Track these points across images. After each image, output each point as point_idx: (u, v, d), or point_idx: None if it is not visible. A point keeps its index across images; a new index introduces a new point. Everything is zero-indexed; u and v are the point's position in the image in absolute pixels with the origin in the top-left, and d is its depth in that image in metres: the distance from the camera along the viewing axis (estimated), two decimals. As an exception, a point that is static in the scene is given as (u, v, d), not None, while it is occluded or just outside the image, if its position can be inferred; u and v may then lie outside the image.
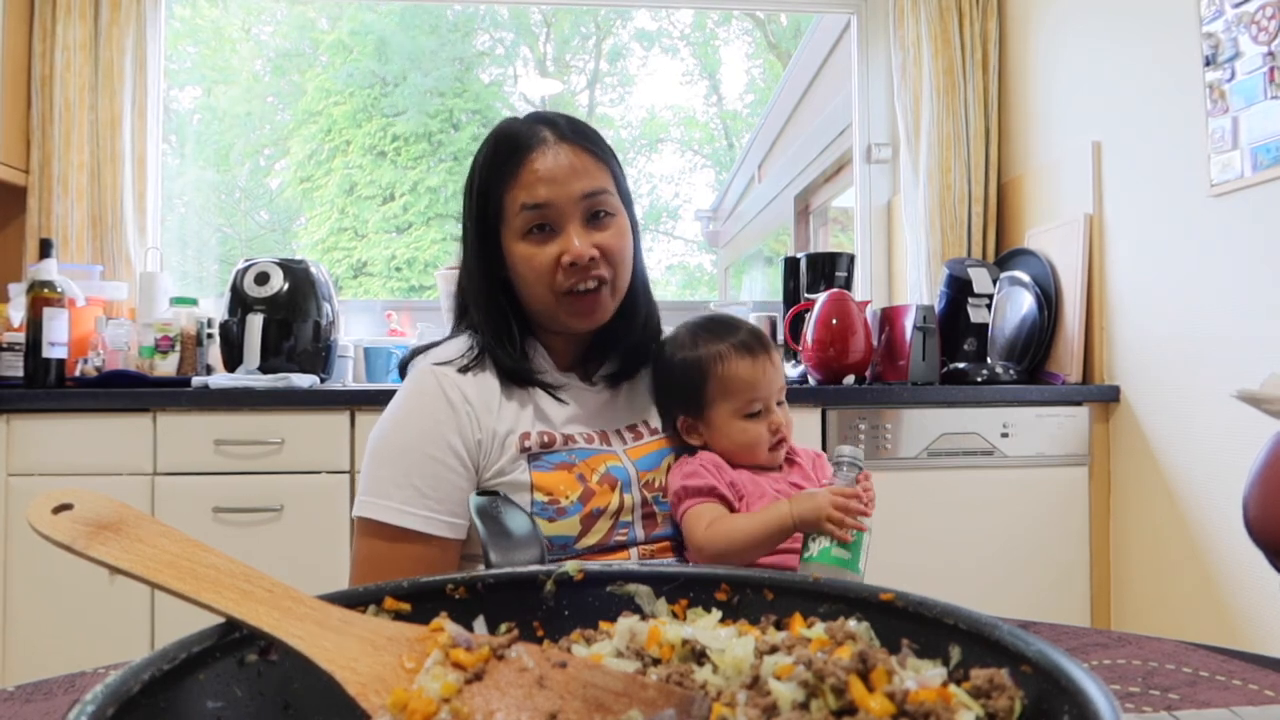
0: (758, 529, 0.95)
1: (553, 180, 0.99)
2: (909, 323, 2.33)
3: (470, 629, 0.47)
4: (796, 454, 1.10)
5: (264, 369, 2.17)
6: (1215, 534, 1.94)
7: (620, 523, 1.02)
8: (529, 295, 1.04)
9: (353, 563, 1.02)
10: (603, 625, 0.49)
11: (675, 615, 0.51)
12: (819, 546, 0.92)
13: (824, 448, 2.17)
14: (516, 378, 1.05)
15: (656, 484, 1.06)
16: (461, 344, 1.07)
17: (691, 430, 1.07)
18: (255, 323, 2.18)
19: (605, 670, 0.41)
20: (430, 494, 0.97)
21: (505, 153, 1.01)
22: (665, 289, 6.71)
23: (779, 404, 1.06)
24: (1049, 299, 2.40)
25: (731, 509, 1.00)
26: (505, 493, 0.99)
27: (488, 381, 1.03)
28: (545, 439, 1.02)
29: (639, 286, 1.10)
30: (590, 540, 1.00)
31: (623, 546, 1.02)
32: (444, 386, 1.01)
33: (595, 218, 1.01)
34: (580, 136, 1.03)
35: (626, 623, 0.47)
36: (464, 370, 1.03)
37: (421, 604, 0.48)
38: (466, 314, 1.11)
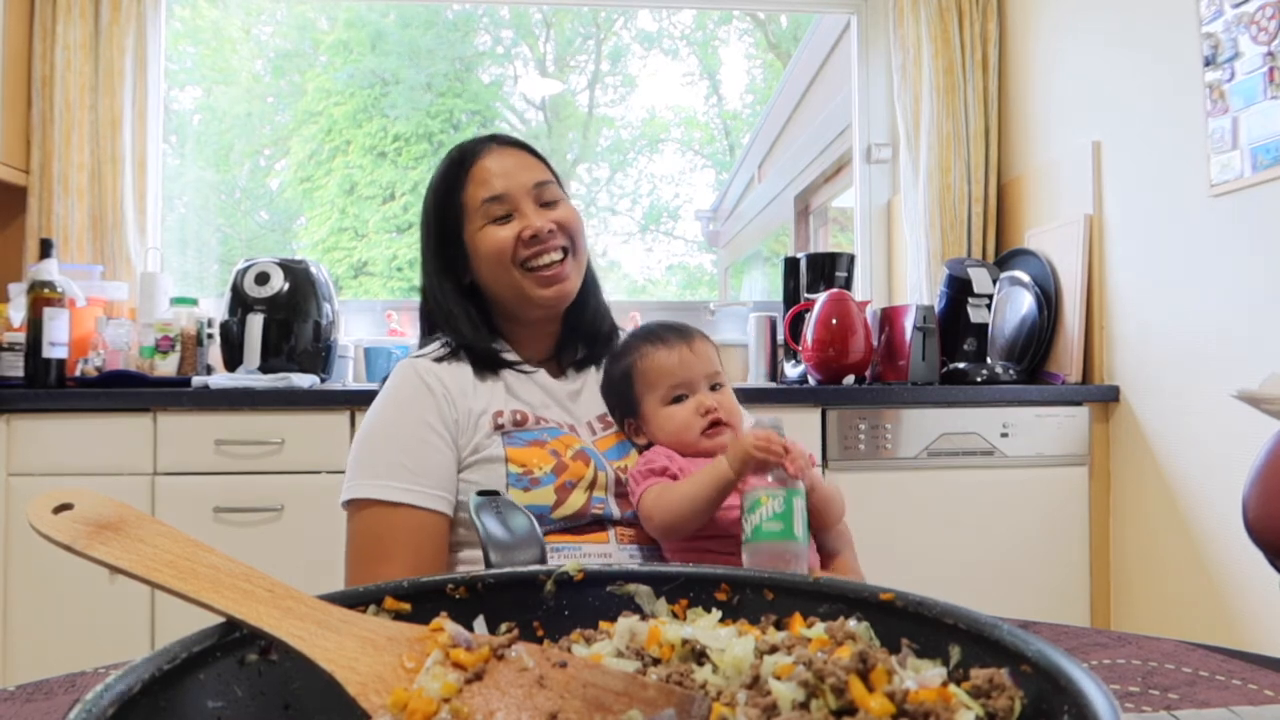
0: (697, 485, 0.97)
1: (505, 174, 1.11)
2: (909, 323, 2.33)
3: (470, 629, 0.47)
4: None
5: (264, 369, 2.17)
6: (1215, 534, 1.94)
7: (595, 498, 1.04)
8: (496, 279, 1.11)
9: (349, 547, 1.04)
10: (603, 625, 0.49)
11: (675, 615, 0.51)
12: (751, 525, 0.91)
13: (824, 448, 2.17)
14: (488, 363, 1.12)
15: (628, 469, 1.08)
16: (436, 344, 1.15)
17: (636, 431, 1.11)
18: (255, 323, 2.18)
19: (605, 670, 0.41)
20: (419, 471, 1.02)
21: (457, 163, 1.15)
22: (665, 289, 6.70)
23: (713, 389, 1.08)
24: (1049, 299, 2.40)
25: None
26: (480, 469, 1.03)
27: (461, 369, 1.10)
28: (518, 417, 1.07)
29: (590, 277, 1.19)
30: (566, 510, 1.02)
31: (600, 523, 1.04)
32: (420, 373, 1.08)
33: (549, 204, 1.13)
34: (519, 142, 1.17)
35: (626, 623, 0.47)
36: (439, 360, 1.10)
37: (421, 604, 0.48)
38: (435, 330, 1.19)
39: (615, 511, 1.06)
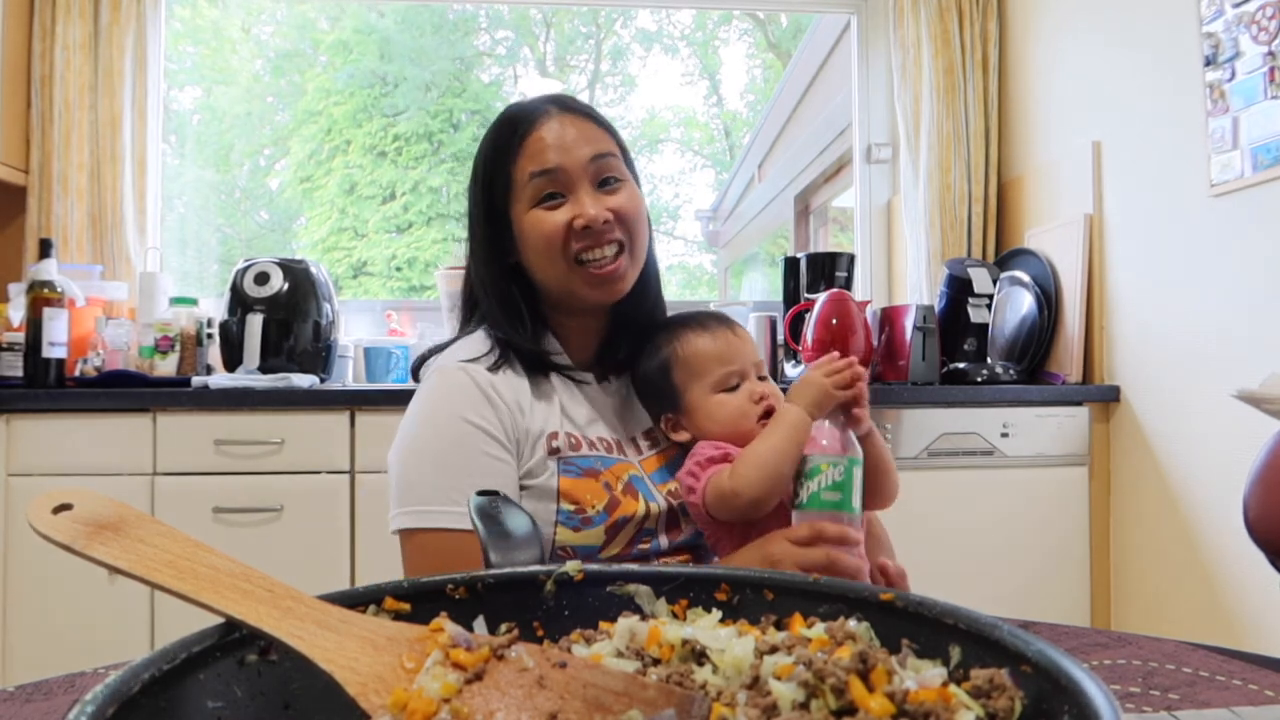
0: (777, 441, 0.90)
1: (560, 146, 0.98)
2: (909, 323, 2.33)
3: (470, 629, 0.47)
4: None
5: (264, 369, 2.17)
6: (1215, 534, 1.94)
7: (644, 530, 0.99)
8: (543, 268, 1.01)
9: (412, 573, 0.95)
10: (603, 625, 0.49)
11: (675, 615, 0.51)
12: (808, 491, 0.89)
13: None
14: (539, 366, 1.03)
15: (677, 491, 1.03)
16: (481, 342, 1.04)
17: (676, 427, 1.04)
18: (255, 323, 2.18)
19: (605, 670, 0.41)
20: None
21: (510, 129, 1.01)
22: (665, 289, 6.69)
23: (760, 378, 1.02)
24: (1049, 299, 2.40)
25: None
26: (531, 498, 0.96)
27: (517, 381, 1.01)
28: (572, 441, 1.00)
29: (650, 267, 1.09)
30: (614, 549, 0.98)
31: (644, 557, 1.00)
32: (480, 383, 0.98)
33: (605, 183, 1.00)
34: (583, 107, 1.04)
35: (626, 623, 0.47)
36: (494, 369, 1.00)
37: (421, 604, 0.48)
38: (476, 308, 1.08)
39: (662, 543, 1.00)
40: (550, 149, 0.98)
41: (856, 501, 0.89)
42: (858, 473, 0.90)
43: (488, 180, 1.03)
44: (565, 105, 1.03)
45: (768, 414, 1.00)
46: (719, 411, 1.00)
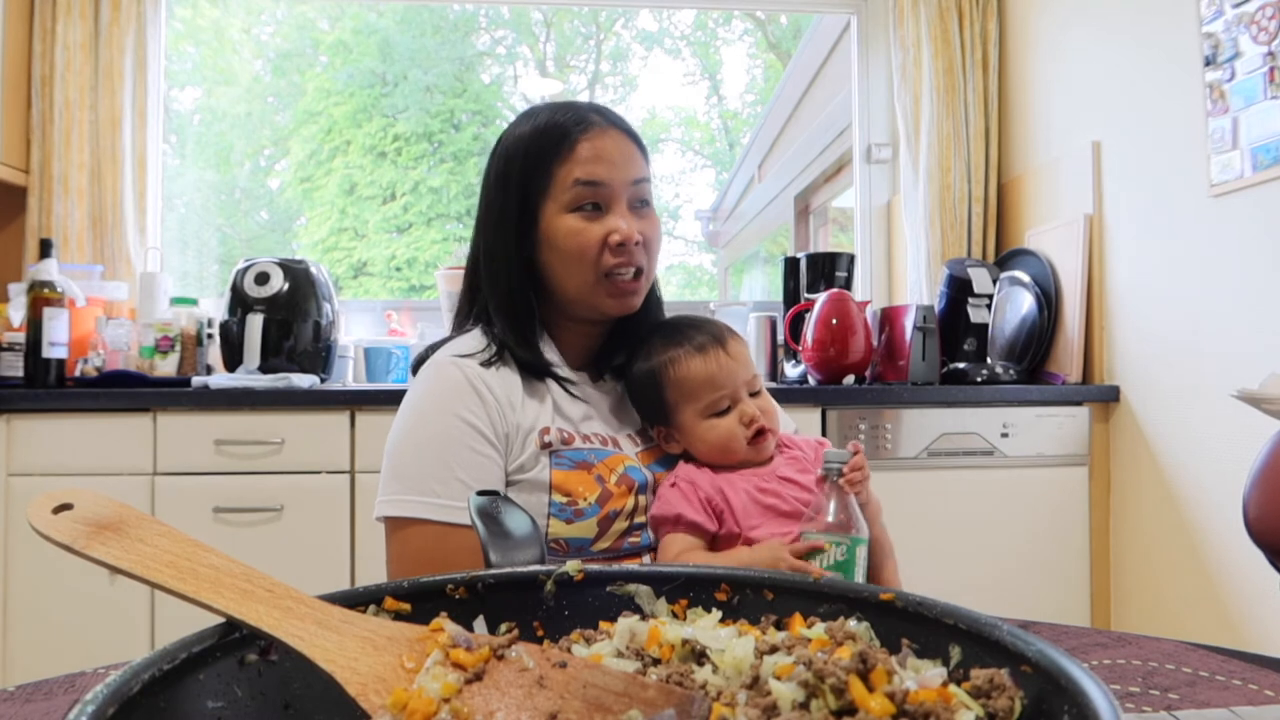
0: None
1: (610, 161, 1.01)
2: (909, 323, 2.33)
3: (470, 629, 0.47)
4: (794, 445, 1.07)
5: (264, 369, 2.17)
6: (1215, 534, 1.94)
7: (634, 524, 1.00)
8: (567, 274, 1.02)
9: (396, 566, 0.98)
10: (603, 625, 0.49)
11: (675, 615, 0.51)
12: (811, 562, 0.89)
13: (824, 448, 2.17)
14: (534, 370, 1.04)
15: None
16: (477, 339, 1.05)
17: (668, 439, 1.05)
18: (255, 323, 2.18)
19: (605, 670, 0.41)
20: (476, 485, 0.95)
21: (560, 130, 1.02)
22: (665, 289, 6.66)
23: (752, 395, 1.03)
24: (1049, 299, 2.40)
25: (707, 533, 0.97)
26: (522, 491, 0.97)
27: (509, 377, 1.02)
28: (564, 436, 1.01)
29: (654, 283, 1.13)
30: (606, 543, 0.98)
31: (636, 552, 1.01)
32: (470, 378, 0.99)
33: (639, 206, 1.04)
34: (628, 126, 1.07)
35: (626, 623, 0.47)
36: (486, 365, 1.01)
37: (421, 604, 0.48)
38: (476, 303, 1.09)
39: (652, 537, 1.02)
40: (600, 161, 1.00)
41: (859, 576, 0.88)
42: (861, 552, 0.88)
43: (524, 173, 1.02)
44: (611, 119, 1.04)
45: (759, 435, 1.01)
46: (709, 435, 1.01)
